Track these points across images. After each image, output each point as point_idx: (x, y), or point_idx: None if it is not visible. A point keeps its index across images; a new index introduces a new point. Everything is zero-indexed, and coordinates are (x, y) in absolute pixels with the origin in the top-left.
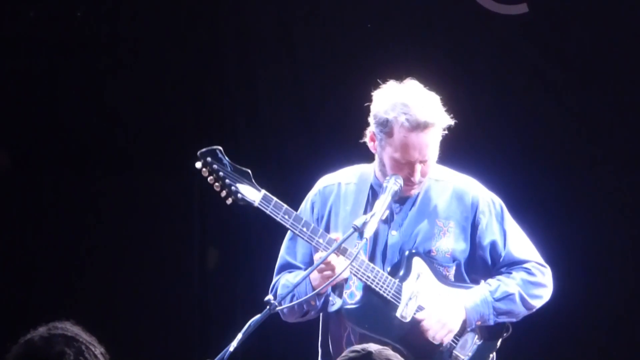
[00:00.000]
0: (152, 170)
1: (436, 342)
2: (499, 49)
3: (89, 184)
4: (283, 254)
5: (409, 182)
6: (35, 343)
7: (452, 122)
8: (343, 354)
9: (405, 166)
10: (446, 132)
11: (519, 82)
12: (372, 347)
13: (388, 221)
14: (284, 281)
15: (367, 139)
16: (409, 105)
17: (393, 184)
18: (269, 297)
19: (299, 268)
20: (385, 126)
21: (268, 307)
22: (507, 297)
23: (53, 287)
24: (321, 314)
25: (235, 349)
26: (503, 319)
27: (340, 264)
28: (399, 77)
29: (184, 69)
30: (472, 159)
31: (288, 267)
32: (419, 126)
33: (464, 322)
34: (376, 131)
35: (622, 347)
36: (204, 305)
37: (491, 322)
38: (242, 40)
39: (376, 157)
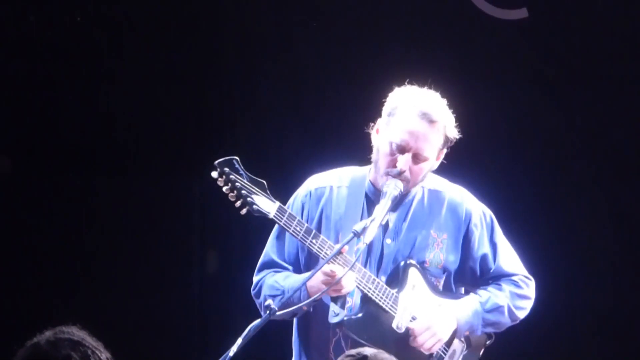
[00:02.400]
0: (152, 172)
1: (425, 351)
2: (499, 54)
3: (89, 186)
4: (268, 252)
5: (392, 172)
6: (41, 347)
7: (456, 136)
8: (339, 359)
9: (396, 153)
10: (447, 149)
11: (519, 87)
12: (368, 351)
13: (383, 229)
14: (271, 281)
15: (372, 131)
16: (421, 98)
17: (393, 189)
18: (269, 301)
19: (284, 267)
20: (394, 109)
21: (268, 311)
22: (497, 309)
23: (52, 289)
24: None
25: (235, 353)
26: (489, 329)
27: (345, 276)
28: (398, 80)
29: (184, 70)
30: (470, 162)
31: (273, 265)
32: (424, 115)
33: (454, 332)
34: (383, 119)
35: (606, 354)
36: (204, 310)
37: (479, 333)
38: (242, 41)
39: (373, 161)
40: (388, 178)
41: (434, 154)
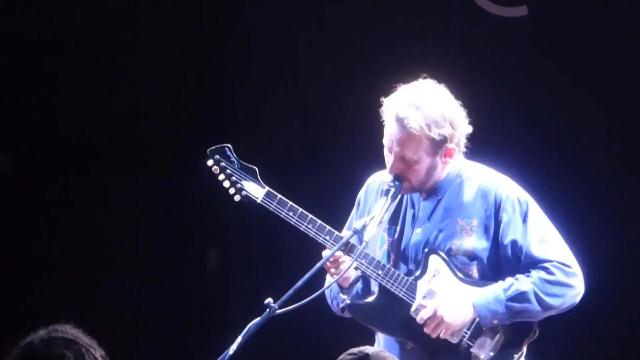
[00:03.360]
0: (152, 171)
1: (433, 336)
2: (499, 51)
3: (89, 185)
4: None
5: (389, 173)
6: (35, 346)
7: (440, 138)
8: (340, 357)
9: (388, 156)
10: (452, 145)
11: (518, 84)
12: (369, 349)
13: (415, 218)
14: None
15: None
16: (403, 103)
17: (392, 187)
18: (269, 300)
19: None
20: (385, 113)
21: (268, 310)
22: (521, 295)
23: (53, 287)
24: None
25: (235, 352)
26: (520, 318)
27: (346, 260)
28: (398, 80)
29: (185, 71)
30: (471, 159)
31: None
32: (399, 122)
33: (478, 321)
34: None
35: None
36: (204, 308)
37: (507, 322)
38: (242, 43)
39: None
40: (391, 177)
41: (424, 155)
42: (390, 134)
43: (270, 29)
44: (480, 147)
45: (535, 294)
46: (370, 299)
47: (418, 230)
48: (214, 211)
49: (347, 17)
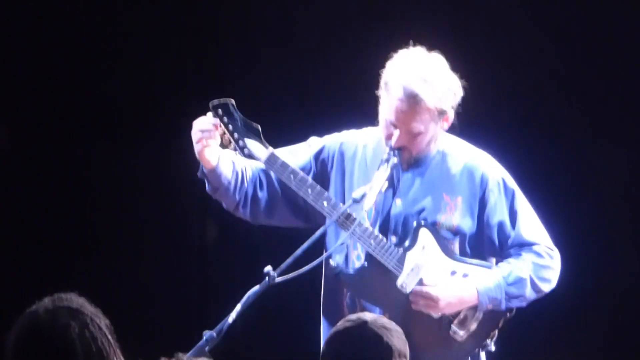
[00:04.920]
0: (149, 141)
1: (424, 310)
2: (499, 29)
3: (86, 156)
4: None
5: (389, 145)
6: (39, 315)
7: (447, 108)
8: (338, 324)
9: (391, 128)
10: (453, 111)
11: (518, 61)
12: (368, 316)
13: (395, 189)
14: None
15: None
16: (409, 74)
17: (393, 157)
18: (268, 268)
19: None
20: (386, 84)
21: (267, 278)
22: (520, 281)
23: (48, 270)
24: (323, 270)
25: (234, 320)
26: (514, 303)
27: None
28: (390, 40)
29: (185, 55)
30: (467, 136)
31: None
32: (408, 95)
33: (475, 307)
34: (381, 90)
35: (628, 332)
36: (204, 277)
37: (503, 307)
38: (242, 27)
39: None
40: (389, 147)
41: (428, 125)
42: (398, 108)
43: (270, 14)
44: (476, 121)
45: (531, 280)
46: (359, 269)
47: (398, 202)
48: None
49: None
